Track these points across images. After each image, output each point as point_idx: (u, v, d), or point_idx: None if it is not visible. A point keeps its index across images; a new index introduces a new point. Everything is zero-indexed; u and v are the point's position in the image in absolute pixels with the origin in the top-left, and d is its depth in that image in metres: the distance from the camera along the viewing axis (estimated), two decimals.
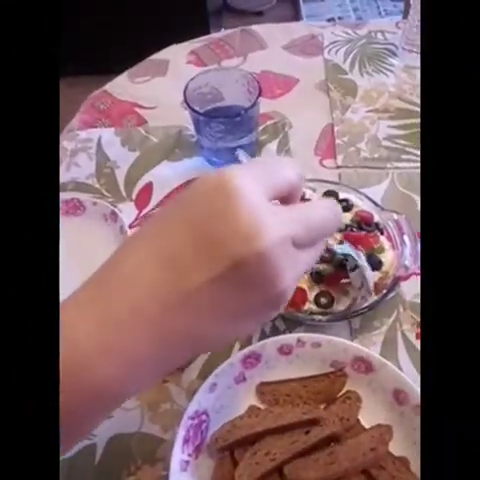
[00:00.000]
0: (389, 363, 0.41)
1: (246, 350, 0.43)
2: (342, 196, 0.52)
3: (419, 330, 0.48)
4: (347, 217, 0.50)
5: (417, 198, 0.58)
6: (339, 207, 0.31)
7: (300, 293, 0.46)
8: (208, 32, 1.53)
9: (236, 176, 0.24)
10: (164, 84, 0.75)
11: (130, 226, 0.57)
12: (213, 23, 1.81)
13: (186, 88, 0.57)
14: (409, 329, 0.49)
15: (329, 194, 0.51)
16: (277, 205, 0.27)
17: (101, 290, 0.25)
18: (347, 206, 0.51)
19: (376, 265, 0.46)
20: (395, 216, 0.49)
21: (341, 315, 0.45)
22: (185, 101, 0.56)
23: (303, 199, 0.51)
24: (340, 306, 0.45)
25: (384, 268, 0.46)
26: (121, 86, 0.75)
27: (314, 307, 0.45)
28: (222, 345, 0.33)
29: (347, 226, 0.49)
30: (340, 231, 0.48)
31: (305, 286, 0.46)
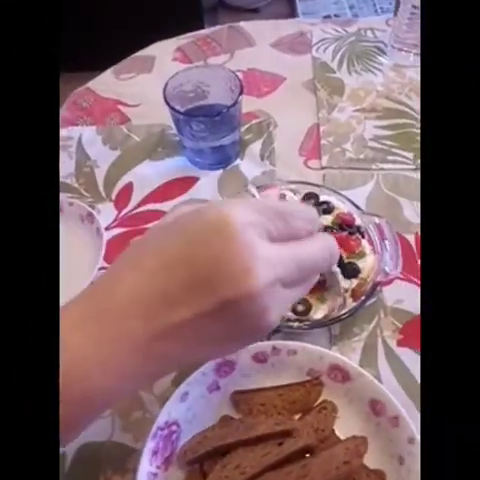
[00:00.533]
0: (366, 373, 0.40)
1: (219, 358, 0.42)
2: (323, 198, 0.50)
3: (400, 337, 0.47)
4: (328, 219, 0.49)
5: (402, 200, 0.57)
6: (335, 245, 0.31)
7: None
8: (203, 28, 1.51)
9: (237, 219, 0.26)
10: (149, 81, 0.73)
11: (108, 228, 0.56)
12: (208, 20, 1.79)
13: (166, 86, 0.56)
14: (390, 336, 0.47)
15: (309, 197, 0.50)
16: (273, 244, 0.27)
17: (97, 311, 0.26)
18: (328, 209, 0.49)
19: (353, 273, 0.45)
20: (376, 220, 0.48)
21: (319, 323, 0.44)
22: (164, 99, 0.55)
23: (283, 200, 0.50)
24: (317, 314, 0.44)
25: (362, 275, 0.45)
26: (105, 83, 0.73)
27: (291, 314, 0.44)
28: (207, 361, 0.40)
29: (327, 227, 0.47)
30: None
31: None
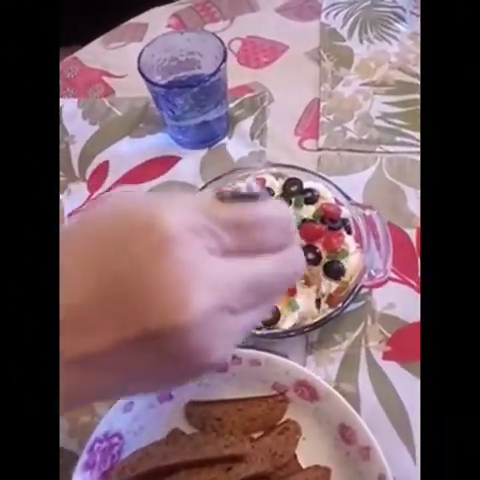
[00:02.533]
0: (336, 392, 0.34)
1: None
2: (307, 185, 0.44)
3: (387, 348, 0.41)
4: (310, 210, 0.42)
5: (406, 189, 0.50)
6: (302, 259, 0.25)
7: None
8: None
9: (172, 224, 0.19)
10: (139, 50, 0.66)
11: (77, 211, 0.51)
12: None
13: (141, 54, 0.50)
14: (376, 346, 0.41)
15: (292, 182, 0.44)
16: (222, 259, 0.21)
17: None
18: (312, 197, 0.43)
19: (335, 274, 0.39)
20: (367, 212, 0.41)
21: (285, 333, 0.38)
22: (139, 69, 0.49)
23: (262, 188, 0.44)
24: (286, 323, 0.38)
25: (344, 278, 0.39)
26: (92, 53, 0.68)
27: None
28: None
29: (305, 220, 0.41)
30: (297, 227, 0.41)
31: None
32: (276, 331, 0.38)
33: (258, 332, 0.38)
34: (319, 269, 0.40)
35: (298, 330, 0.37)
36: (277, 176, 0.45)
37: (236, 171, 0.45)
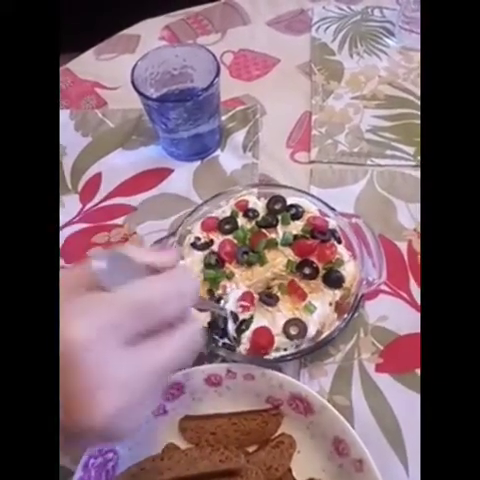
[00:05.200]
0: (330, 406, 0.35)
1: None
2: (290, 201, 0.44)
3: (380, 360, 0.41)
4: (298, 226, 0.43)
5: (397, 202, 0.50)
6: (198, 333, 0.27)
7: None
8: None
9: (79, 333, 0.21)
10: (131, 62, 0.67)
11: (69, 223, 0.51)
12: None
13: (134, 68, 0.50)
14: (368, 358, 0.41)
15: (275, 200, 0.44)
16: (129, 348, 0.23)
17: None
18: (297, 213, 0.43)
19: (336, 282, 0.40)
20: (353, 220, 0.42)
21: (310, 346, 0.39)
22: (132, 82, 0.49)
23: (247, 210, 0.44)
24: (310, 329, 0.39)
25: (345, 284, 0.40)
26: (84, 64, 0.68)
27: (285, 341, 0.39)
28: None
29: (297, 236, 0.41)
30: (289, 244, 0.41)
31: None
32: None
33: (277, 355, 0.38)
34: (319, 282, 0.40)
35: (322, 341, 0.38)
36: (259, 196, 0.46)
37: (219, 195, 0.46)
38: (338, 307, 0.40)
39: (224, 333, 0.39)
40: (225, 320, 0.39)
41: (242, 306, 0.39)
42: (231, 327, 0.39)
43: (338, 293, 0.40)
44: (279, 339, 0.39)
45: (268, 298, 0.40)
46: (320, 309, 0.39)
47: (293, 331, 0.38)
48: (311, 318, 0.39)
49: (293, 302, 0.40)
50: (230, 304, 0.39)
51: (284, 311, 0.39)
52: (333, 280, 0.40)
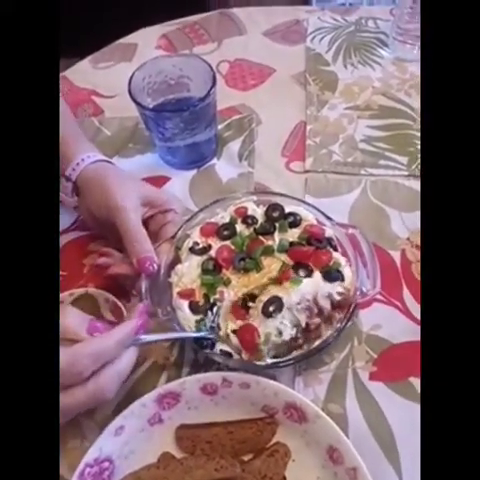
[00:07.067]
0: (324, 415, 0.35)
1: (161, 389, 0.37)
2: (288, 209, 0.45)
3: (374, 369, 0.42)
4: (295, 234, 0.43)
5: (390, 211, 0.51)
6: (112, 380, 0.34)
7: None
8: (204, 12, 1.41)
9: None
10: (128, 71, 0.67)
11: (66, 230, 0.51)
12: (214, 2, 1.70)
13: (131, 78, 0.51)
14: (362, 367, 0.42)
15: (273, 208, 0.45)
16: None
17: None
18: (295, 221, 0.44)
19: (335, 276, 0.40)
20: (349, 230, 0.42)
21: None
22: (129, 92, 0.50)
23: (245, 217, 0.45)
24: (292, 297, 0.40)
25: (345, 284, 0.40)
26: (81, 72, 0.69)
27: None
28: None
29: (293, 243, 0.42)
30: (285, 251, 0.42)
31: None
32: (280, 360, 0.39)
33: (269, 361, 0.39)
34: (318, 278, 0.41)
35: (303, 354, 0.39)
36: (258, 203, 0.47)
37: (218, 202, 0.46)
38: (340, 305, 0.40)
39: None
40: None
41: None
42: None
43: (339, 287, 0.40)
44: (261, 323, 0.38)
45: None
46: (307, 280, 0.40)
47: (271, 308, 0.38)
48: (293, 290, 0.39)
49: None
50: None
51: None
52: (333, 276, 0.41)
